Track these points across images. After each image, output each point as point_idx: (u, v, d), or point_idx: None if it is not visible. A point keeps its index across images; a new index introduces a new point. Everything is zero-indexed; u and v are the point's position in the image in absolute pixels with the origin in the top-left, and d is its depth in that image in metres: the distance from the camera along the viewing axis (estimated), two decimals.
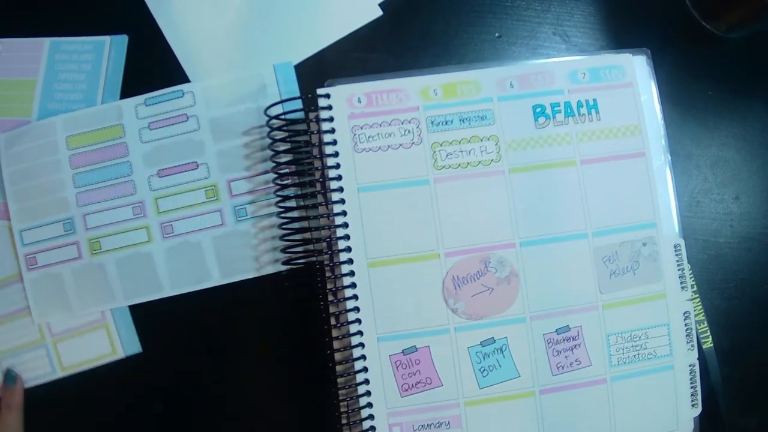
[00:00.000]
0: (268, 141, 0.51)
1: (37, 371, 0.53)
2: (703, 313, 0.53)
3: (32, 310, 0.52)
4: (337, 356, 0.48)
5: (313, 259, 0.50)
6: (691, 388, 0.49)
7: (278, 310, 0.52)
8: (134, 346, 0.52)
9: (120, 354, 0.52)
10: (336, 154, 0.48)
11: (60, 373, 0.53)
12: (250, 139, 0.53)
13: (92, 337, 0.52)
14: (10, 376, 0.52)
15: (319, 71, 0.54)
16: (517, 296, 0.48)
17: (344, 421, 0.48)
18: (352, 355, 0.47)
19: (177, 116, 0.53)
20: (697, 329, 0.51)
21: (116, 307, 0.52)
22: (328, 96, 0.49)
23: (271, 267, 0.52)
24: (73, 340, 0.53)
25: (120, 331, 0.52)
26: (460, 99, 0.49)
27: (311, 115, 0.50)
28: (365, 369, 0.47)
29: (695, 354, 0.50)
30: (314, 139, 0.49)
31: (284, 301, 0.51)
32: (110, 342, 0.52)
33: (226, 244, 0.52)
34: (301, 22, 0.55)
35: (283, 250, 0.50)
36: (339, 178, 0.48)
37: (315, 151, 0.50)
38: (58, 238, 0.52)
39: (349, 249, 0.48)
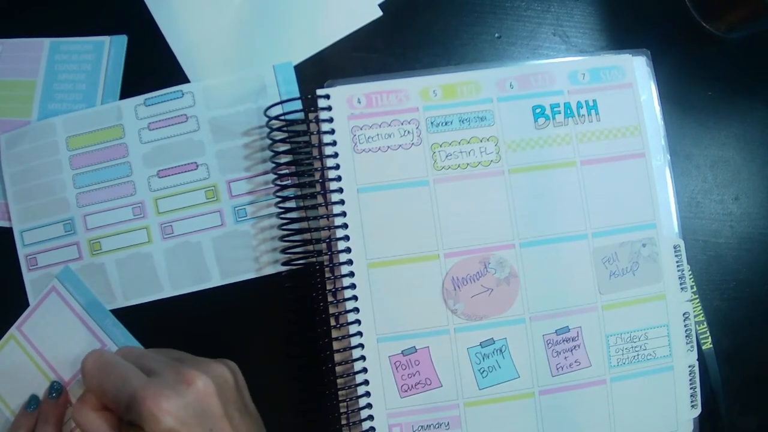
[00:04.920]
0: (268, 141, 0.51)
1: None
2: (702, 314, 0.53)
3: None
4: (337, 356, 0.48)
5: (313, 259, 0.50)
6: (691, 389, 0.49)
7: (278, 311, 0.52)
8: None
9: None
10: (336, 155, 0.49)
11: None
12: (250, 140, 0.53)
13: None
14: (55, 388, 0.51)
15: (319, 71, 0.54)
16: (517, 297, 0.48)
17: (344, 422, 0.48)
18: (351, 355, 0.47)
19: (177, 116, 0.53)
20: (696, 330, 0.51)
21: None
22: (327, 96, 0.49)
23: (271, 267, 0.52)
24: None
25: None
26: (460, 100, 0.49)
27: (311, 116, 0.50)
28: (365, 369, 0.47)
29: (695, 355, 0.50)
30: (314, 139, 0.49)
31: (284, 302, 0.51)
32: None
33: (226, 245, 0.52)
34: (301, 22, 0.55)
35: (283, 251, 0.51)
36: (339, 178, 0.48)
37: (315, 152, 0.50)
38: (59, 239, 0.53)
39: (348, 249, 0.48)
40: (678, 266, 0.50)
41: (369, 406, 0.47)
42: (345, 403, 0.48)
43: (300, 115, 0.51)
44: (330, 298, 0.48)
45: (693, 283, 0.52)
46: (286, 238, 0.50)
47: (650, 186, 0.50)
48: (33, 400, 0.51)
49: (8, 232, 0.53)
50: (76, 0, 0.55)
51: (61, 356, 0.52)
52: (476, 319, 0.48)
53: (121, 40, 0.55)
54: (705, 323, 0.53)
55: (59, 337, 0.52)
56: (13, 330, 0.52)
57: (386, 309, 0.48)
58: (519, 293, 0.48)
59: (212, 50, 0.54)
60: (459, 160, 0.49)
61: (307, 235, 0.50)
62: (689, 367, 0.49)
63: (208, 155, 0.53)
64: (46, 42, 0.55)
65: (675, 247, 0.50)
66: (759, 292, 0.55)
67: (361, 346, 0.48)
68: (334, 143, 0.49)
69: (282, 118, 0.50)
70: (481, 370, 0.48)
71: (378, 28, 0.55)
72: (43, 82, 0.54)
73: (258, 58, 0.54)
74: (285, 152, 0.51)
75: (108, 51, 0.54)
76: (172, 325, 0.52)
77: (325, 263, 0.49)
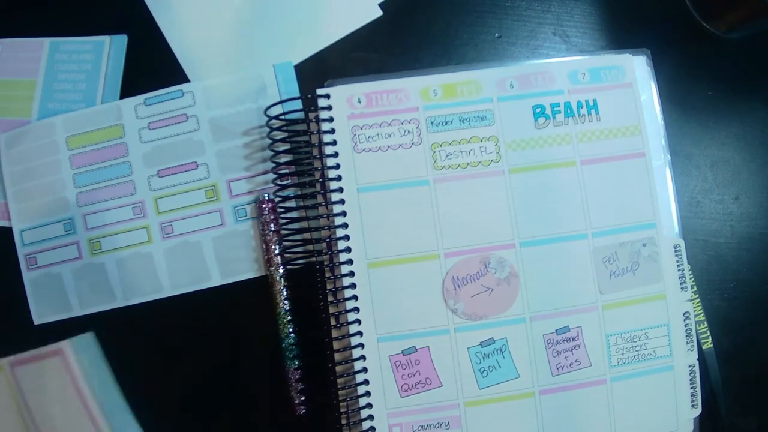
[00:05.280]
0: (268, 141, 0.51)
1: None
2: (702, 314, 0.53)
3: (32, 311, 0.52)
4: (337, 356, 0.48)
5: (313, 259, 0.50)
6: (691, 388, 0.49)
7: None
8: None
9: None
10: (336, 155, 0.49)
11: None
12: (250, 139, 0.53)
13: None
14: None
15: (319, 71, 0.54)
16: (517, 297, 0.48)
17: (344, 422, 0.48)
18: (351, 355, 0.47)
19: (177, 116, 0.53)
20: (696, 330, 0.51)
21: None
22: (327, 96, 0.49)
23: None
24: None
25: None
26: (460, 99, 0.50)
27: (311, 115, 0.50)
28: (365, 369, 0.47)
29: (695, 354, 0.50)
30: (314, 139, 0.49)
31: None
32: None
33: (225, 244, 0.52)
34: (301, 22, 0.55)
35: (283, 251, 0.50)
36: (339, 178, 0.48)
37: (315, 152, 0.50)
38: (59, 238, 0.52)
39: (348, 249, 0.48)
40: (678, 266, 0.50)
41: (369, 405, 0.47)
42: (345, 403, 0.48)
43: (300, 115, 0.51)
44: (330, 298, 0.48)
45: (693, 283, 0.52)
46: (286, 238, 0.50)
47: (650, 186, 0.50)
48: None
49: (8, 231, 0.53)
50: (76, 0, 0.55)
51: (47, 417, 0.49)
52: (476, 318, 0.48)
53: (121, 40, 0.54)
54: (705, 323, 0.52)
55: (53, 405, 0.49)
56: (4, 362, 0.50)
57: (386, 309, 0.48)
58: (519, 293, 0.48)
59: (212, 50, 0.54)
60: (459, 160, 0.49)
61: (306, 235, 0.50)
62: (689, 367, 0.49)
63: (208, 155, 0.53)
64: (46, 42, 0.55)
65: (675, 247, 0.50)
66: (759, 292, 0.55)
67: (361, 345, 0.48)
68: (334, 143, 0.49)
69: (282, 117, 0.50)
70: (482, 370, 0.48)
71: (378, 27, 0.55)
72: (43, 81, 0.54)
73: (258, 58, 0.54)
74: (285, 152, 0.51)
75: (108, 51, 0.54)
76: (172, 325, 0.52)
77: (325, 263, 0.49)
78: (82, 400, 0.48)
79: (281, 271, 0.50)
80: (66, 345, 0.49)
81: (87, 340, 0.51)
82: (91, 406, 0.48)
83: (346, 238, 0.48)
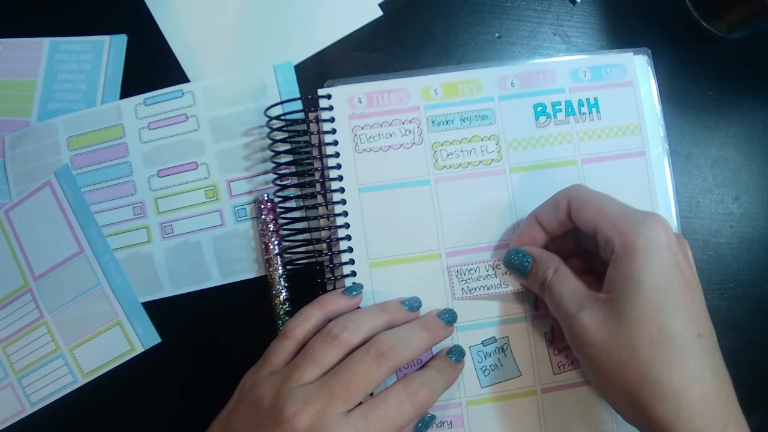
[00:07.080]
0: (268, 141, 0.51)
1: (58, 382, 0.52)
2: None
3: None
4: None
5: (314, 259, 0.50)
6: None
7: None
8: (153, 338, 0.52)
9: (139, 348, 0.51)
10: (337, 155, 0.48)
11: (82, 380, 0.52)
12: (250, 139, 0.53)
13: (108, 336, 0.52)
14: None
15: (319, 71, 0.54)
16: (518, 295, 0.48)
17: None
18: None
19: (176, 116, 0.53)
20: None
21: (126, 302, 0.52)
22: (329, 96, 0.49)
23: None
24: (89, 344, 0.52)
25: (135, 326, 0.51)
26: (461, 98, 0.50)
27: (311, 116, 0.50)
28: None
29: None
30: (314, 139, 0.49)
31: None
32: (127, 338, 0.51)
33: (225, 244, 0.52)
34: (301, 22, 0.55)
35: (284, 251, 0.50)
36: (340, 178, 0.48)
37: (315, 152, 0.50)
38: None
39: (350, 249, 0.48)
40: None
41: None
42: None
43: (300, 115, 0.51)
44: None
45: None
46: (287, 238, 0.50)
47: (650, 184, 0.50)
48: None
49: None
50: (76, 0, 0.55)
51: (38, 251, 0.52)
52: (478, 317, 0.48)
53: (121, 40, 0.54)
54: None
55: (41, 232, 0.52)
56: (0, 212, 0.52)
57: None
58: (520, 291, 0.48)
59: (212, 50, 0.54)
60: (460, 159, 0.49)
61: (307, 235, 0.50)
62: None
63: (208, 155, 0.53)
64: (46, 42, 0.55)
65: None
66: (759, 292, 0.55)
67: None
68: (335, 143, 0.49)
69: (282, 118, 0.50)
70: (483, 369, 0.48)
71: (378, 27, 0.55)
72: (43, 81, 0.54)
73: (258, 58, 0.54)
74: (285, 152, 0.50)
75: (108, 51, 0.54)
76: (172, 325, 0.52)
77: (326, 263, 0.49)
78: (68, 224, 0.52)
79: (281, 271, 0.50)
80: (51, 178, 0.52)
81: (66, 169, 0.53)
82: (75, 229, 0.52)
83: (348, 238, 0.48)
